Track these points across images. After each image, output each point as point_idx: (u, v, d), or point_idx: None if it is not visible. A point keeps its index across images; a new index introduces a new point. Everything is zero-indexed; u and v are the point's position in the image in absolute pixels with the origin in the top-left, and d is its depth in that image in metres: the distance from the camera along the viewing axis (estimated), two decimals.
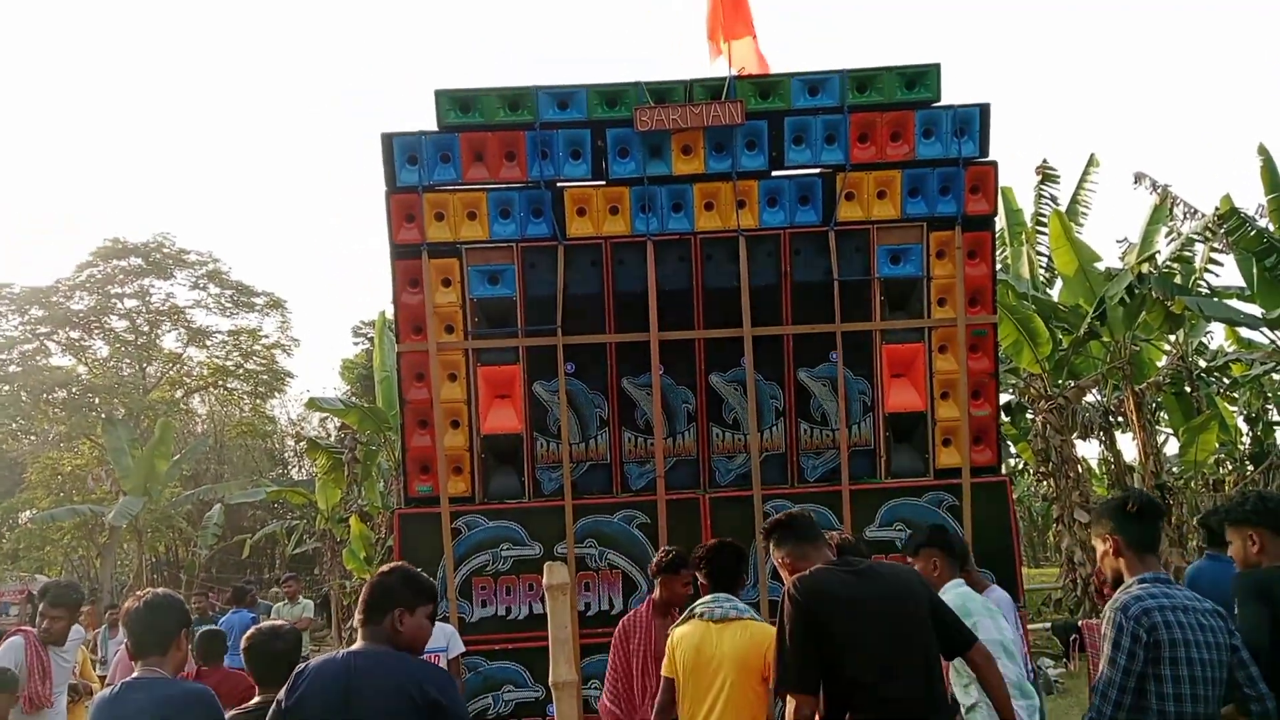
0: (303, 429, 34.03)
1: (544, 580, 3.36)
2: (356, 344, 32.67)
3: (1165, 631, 2.98)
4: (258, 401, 32.00)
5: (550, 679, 3.84)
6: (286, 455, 36.26)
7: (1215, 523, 6.41)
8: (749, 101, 6.31)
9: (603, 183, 6.43)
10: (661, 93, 6.34)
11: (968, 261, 6.46)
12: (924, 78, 6.34)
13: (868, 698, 3.15)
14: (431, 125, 6.34)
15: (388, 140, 6.32)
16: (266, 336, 30.66)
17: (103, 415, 26.17)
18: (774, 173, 6.44)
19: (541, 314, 6.44)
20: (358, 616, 3.01)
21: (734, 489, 6.50)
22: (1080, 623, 11.43)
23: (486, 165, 6.38)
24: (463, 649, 6.05)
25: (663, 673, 4.04)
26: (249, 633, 3.56)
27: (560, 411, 6.43)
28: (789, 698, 3.19)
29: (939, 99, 6.37)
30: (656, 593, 4.62)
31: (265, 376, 30.51)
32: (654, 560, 4.71)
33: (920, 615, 3.27)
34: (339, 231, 62.42)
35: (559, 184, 6.42)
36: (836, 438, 6.49)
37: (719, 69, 6.68)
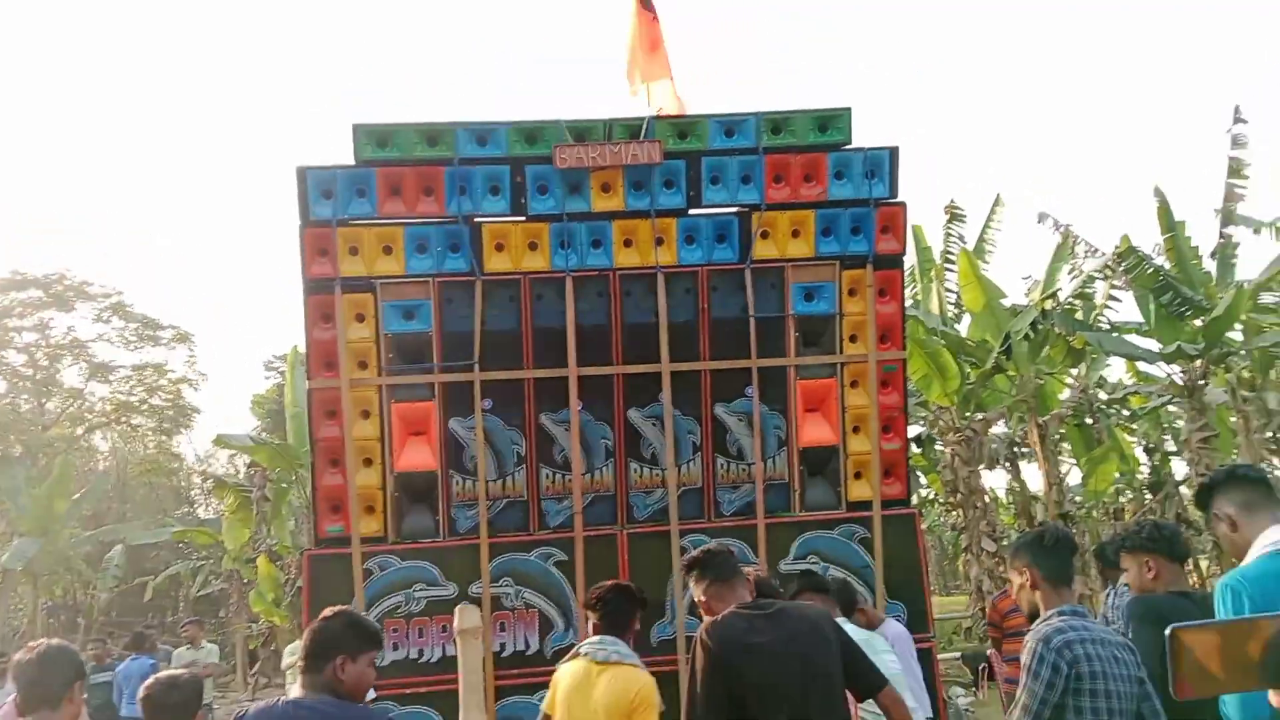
0: (210, 466, 33.07)
1: (455, 624, 3.31)
2: (268, 378, 31.93)
3: (1085, 664, 3.06)
4: (163, 438, 31.01)
5: None
6: (193, 494, 35.15)
7: (1111, 551, 6.64)
8: (667, 141, 6.39)
9: (522, 218, 6.42)
10: (581, 131, 6.39)
11: (878, 299, 6.61)
12: (836, 121, 6.51)
13: None
14: (348, 159, 6.27)
15: (302, 173, 6.22)
16: (172, 371, 29.83)
17: None
18: (691, 211, 6.52)
19: (458, 350, 6.38)
20: (299, 663, 2.96)
21: (651, 524, 6.49)
22: (989, 651, 11.68)
23: (403, 200, 6.32)
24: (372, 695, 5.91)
25: (543, 708, 4.05)
26: (146, 683, 3.44)
27: (477, 448, 6.37)
28: None
29: (850, 141, 6.54)
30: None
31: (170, 412, 29.61)
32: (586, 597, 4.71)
33: (830, 658, 3.31)
34: (251, 264, 61.07)
35: (477, 219, 6.40)
36: (752, 472, 6.54)
37: (638, 108, 6.78)
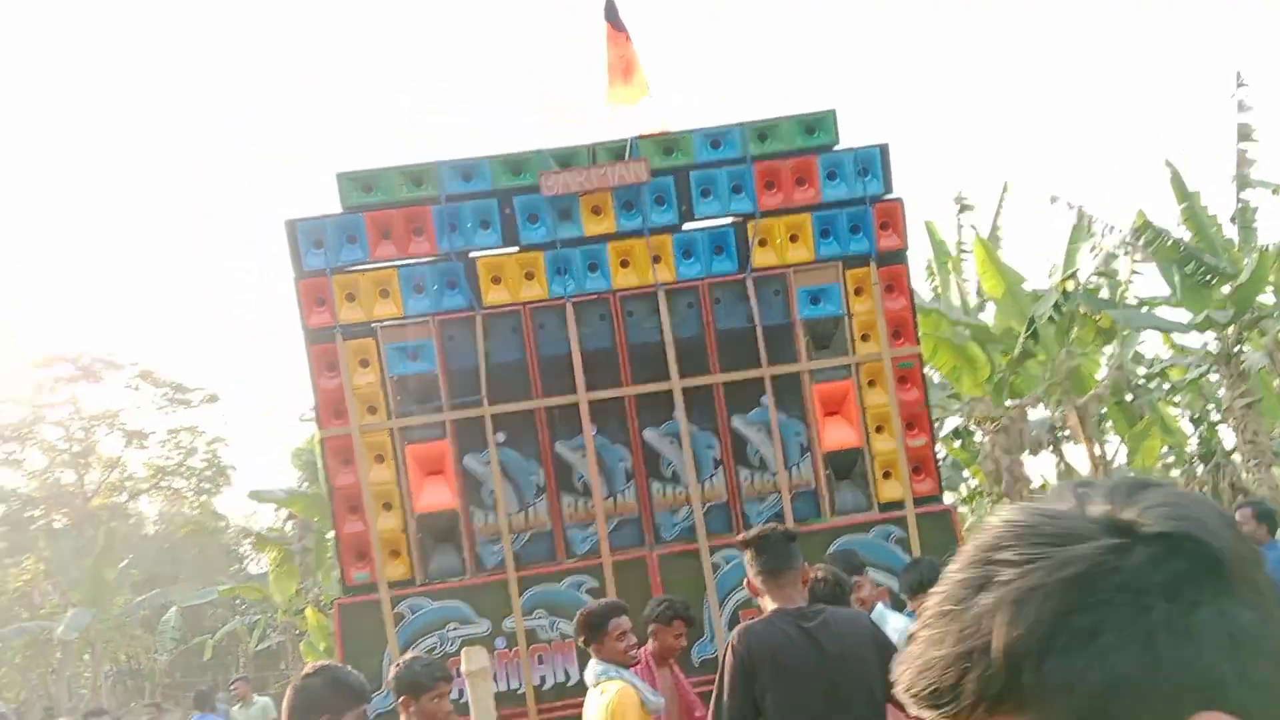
0: (255, 522, 33.39)
1: (463, 667, 3.26)
2: (304, 430, 32.21)
3: None
4: (204, 498, 31.35)
5: None
6: (241, 550, 35.48)
7: None
8: (653, 159, 6.36)
9: (515, 249, 6.41)
10: (565, 157, 6.37)
11: (886, 296, 6.52)
12: (821, 123, 6.46)
13: None
14: (334, 208, 6.29)
15: (291, 226, 6.25)
16: (204, 432, 30.17)
17: (44, 528, 25.45)
18: (685, 226, 6.48)
19: (465, 386, 6.36)
20: None
21: (680, 543, 6.41)
22: None
23: (394, 242, 6.33)
24: None
25: None
26: None
27: (495, 482, 6.33)
28: None
29: (838, 142, 6.49)
30: (650, 644, 4.62)
31: (209, 472, 29.94)
32: (647, 610, 4.75)
33: (865, 678, 3.17)
34: (271, 318, 61.76)
35: (470, 254, 6.39)
36: (777, 481, 6.45)
37: (620, 130, 6.76)
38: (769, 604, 3.32)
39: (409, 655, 3.80)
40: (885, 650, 3.30)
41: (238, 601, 25.85)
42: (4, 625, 24.52)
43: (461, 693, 4.83)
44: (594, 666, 4.16)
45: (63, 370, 28.02)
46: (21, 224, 58.63)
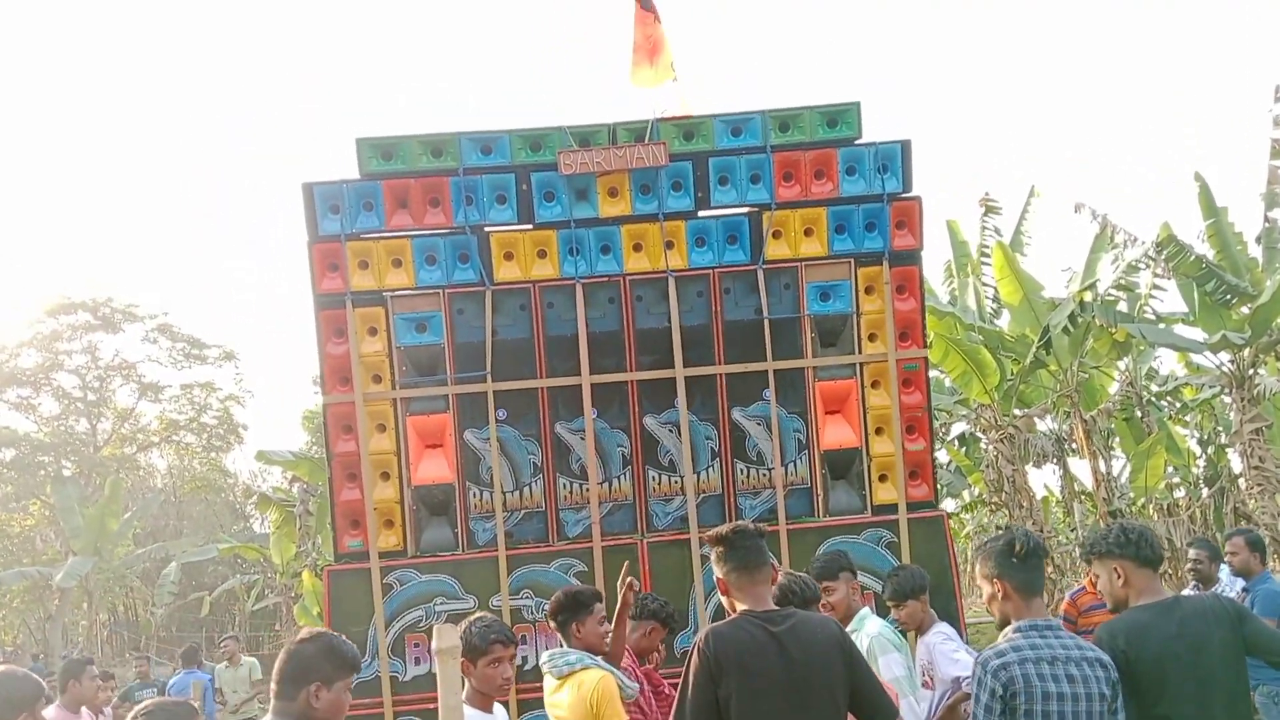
0: (264, 482, 33.57)
1: (433, 645, 3.24)
2: (315, 394, 32.31)
3: (1023, 684, 3.01)
4: (213, 456, 31.52)
5: None
6: (247, 509, 35.71)
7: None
8: (672, 143, 6.31)
9: (529, 226, 6.38)
10: (585, 136, 6.33)
11: (896, 296, 6.46)
12: (844, 116, 6.38)
13: None
14: (353, 174, 6.27)
15: (309, 189, 6.24)
16: (220, 389, 30.30)
17: (51, 474, 25.63)
18: (700, 213, 6.44)
19: (471, 360, 6.35)
20: (272, 686, 2.89)
21: (672, 532, 6.40)
22: None
23: (410, 212, 6.31)
24: None
25: None
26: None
27: (493, 459, 6.33)
28: None
29: (860, 136, 6.41)
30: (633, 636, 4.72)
31: (220, 429, 30.09)
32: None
33: (830, 685, 3.13)
34: (296, 281, 61.93)
35: (485, 229, 6.37)
36: (772, 477, 6.43)
37: (642, 111, 6.71)
38: (738, 604, 3.29)
39: (475, 616, 3.84)
40: (852, 658, 3.24)
41: (238, 560, 26.02)
42: (5, 569, 24.76)
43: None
44: (560, 656, 4.06)
45: (81, 318, 28.16)
46: (50, 170, 58.87)
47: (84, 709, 6.36)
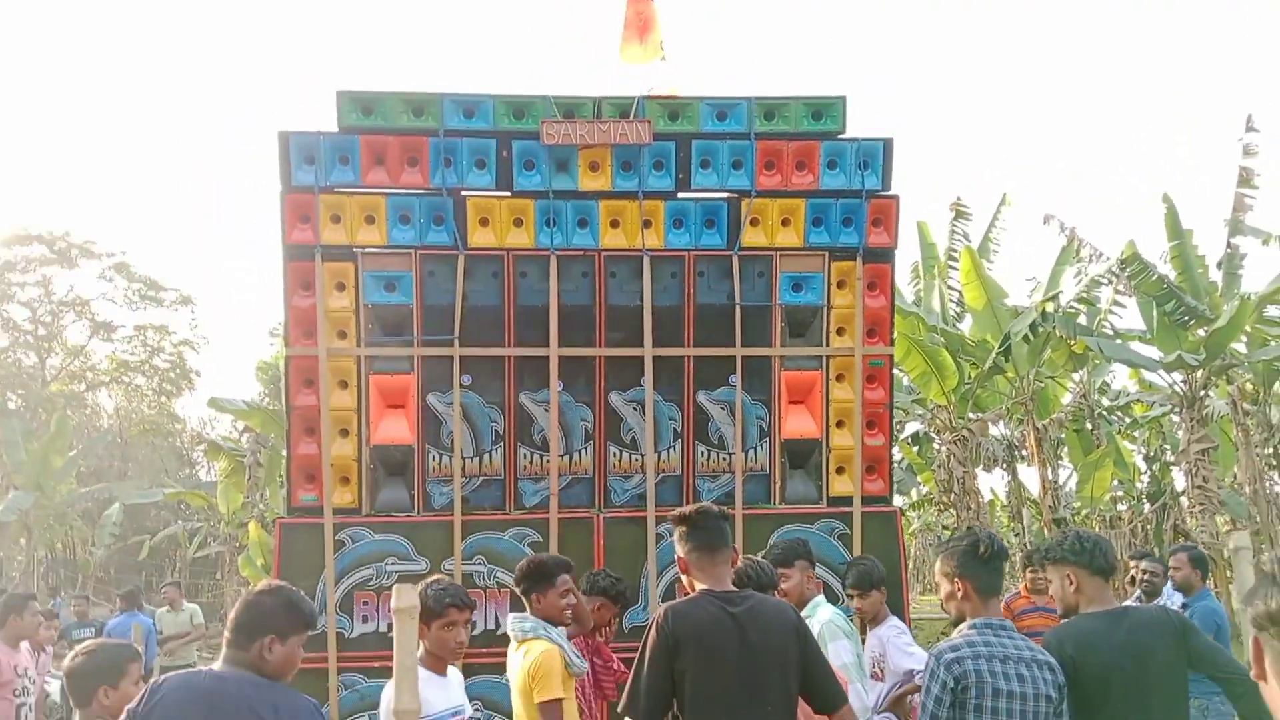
0: (213, 430, 33.18)
1: (392, 603, 3.25)
2: (272, 345, 31.94)
3: (974, 679, 3.07)
4: (164, 400, 31.08)
5: (393, 707, 3.74)
6: (194, 456, 35.28)
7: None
8: (657, 123, 6.28)
9: (507, 194, 6.33)
10: (569, 107, 6.28)
11: (867, 293, 6.51)
12: (830, 109, 6.39)
13: None
14: (331, 126, 6.18)
15: (284, 138, 6.13)
16: (174, 333, 29.85)
17: None
18: (680, 194, 6.42)
19: (439, 324, 6.31)
20: (226, 634, 2.88)
21: (629, 509, 6.43)
22: None
23: (387, 170, 6.24)
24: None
25: None
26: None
27: (454, 424, 6.30)
28: None
29: (844, 130, 6.43)
30: None
31: (172, 374, 29.66)
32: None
33: (784, 667, 3.20)
34: (255, 229, 61.04)
35: (462, 193, 6.30)
36: (732, 461, 6.47)
37: (629, 87, 6.68)
38: (698, 583, 3.32)
39: (432, 579, 3.86)
40: (806, 643, 3.32)
41: (182, 506, 25.74)
42: None
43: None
44: (519, 621, 4.14)
45: (37, 251, 27.56)
46: (14, 100, 57.37)
47: (24, 644, 6.29)
